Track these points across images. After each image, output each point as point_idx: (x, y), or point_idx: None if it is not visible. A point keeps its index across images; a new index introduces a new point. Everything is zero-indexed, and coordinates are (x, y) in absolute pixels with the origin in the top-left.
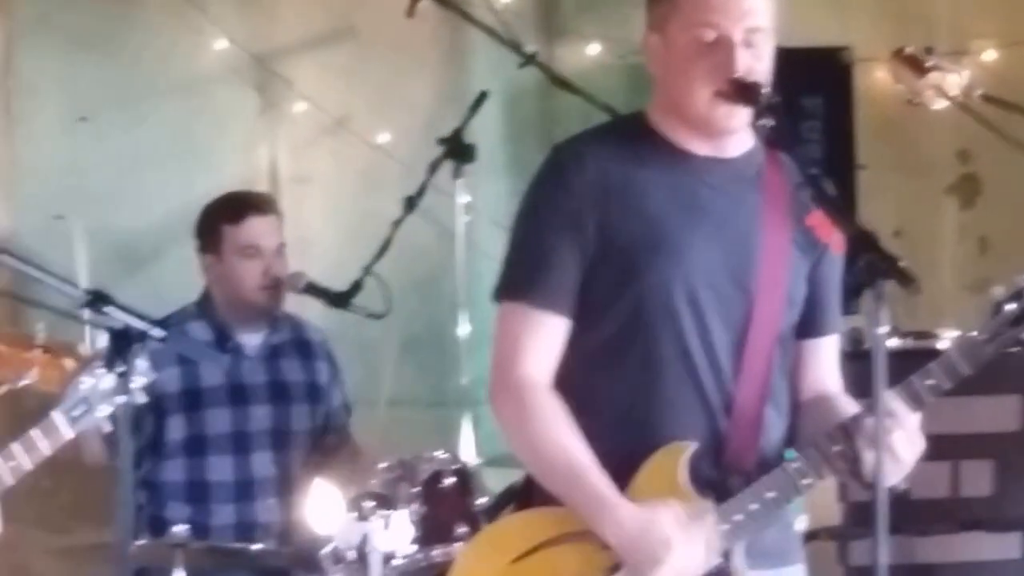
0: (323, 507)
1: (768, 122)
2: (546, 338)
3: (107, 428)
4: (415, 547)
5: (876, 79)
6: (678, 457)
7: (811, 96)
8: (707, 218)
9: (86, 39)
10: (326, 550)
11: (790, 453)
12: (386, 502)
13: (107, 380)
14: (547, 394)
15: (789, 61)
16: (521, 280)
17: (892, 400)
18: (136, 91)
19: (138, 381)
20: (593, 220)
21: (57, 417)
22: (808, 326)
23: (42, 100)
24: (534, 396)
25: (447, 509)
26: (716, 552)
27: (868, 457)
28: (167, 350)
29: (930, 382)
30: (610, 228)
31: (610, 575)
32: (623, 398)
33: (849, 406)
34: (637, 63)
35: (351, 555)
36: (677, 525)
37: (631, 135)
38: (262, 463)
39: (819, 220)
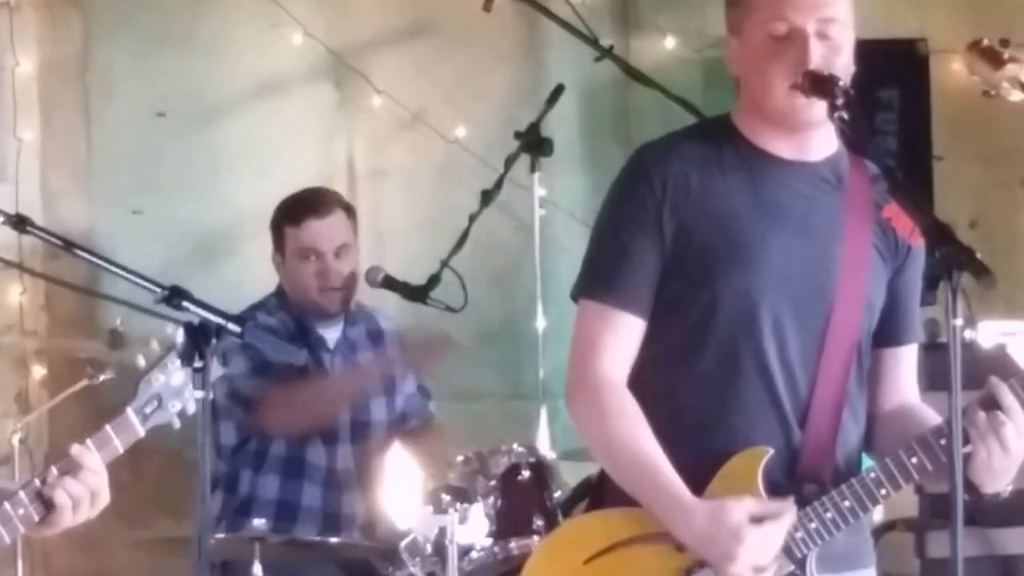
0: (401, 500)
1: (843, 115)
2: (623, 338)
3: (176, 425)
4: (491, 540)
5: (952, 71)
6: (755, 463)
7: (887, 88)
8: (787, 223)
9: (163, 35)
10: (404, 543)
11: (867, 463)
12: (463, 495)
13: (178, 376)
14: (623, 393)
15: (865, 53)
16: (600, 279)
17: (1005, 394)
18: (213, 86)
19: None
20: (672, 222)
21: (130, 414)
22: (888, 335)
23: (119, 96)
24: (611, 395)
25: (524, 502)
26: (788, 558)
27: (980, 452)
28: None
29: None
30: (688, 231)
31: None
32: (696, 402)
33: (929, 417)
34: (713, 57)
35: (428, 548)
36: (747, 518)
37: (715, 138)
38: (344, 456)
39: (895, 212)
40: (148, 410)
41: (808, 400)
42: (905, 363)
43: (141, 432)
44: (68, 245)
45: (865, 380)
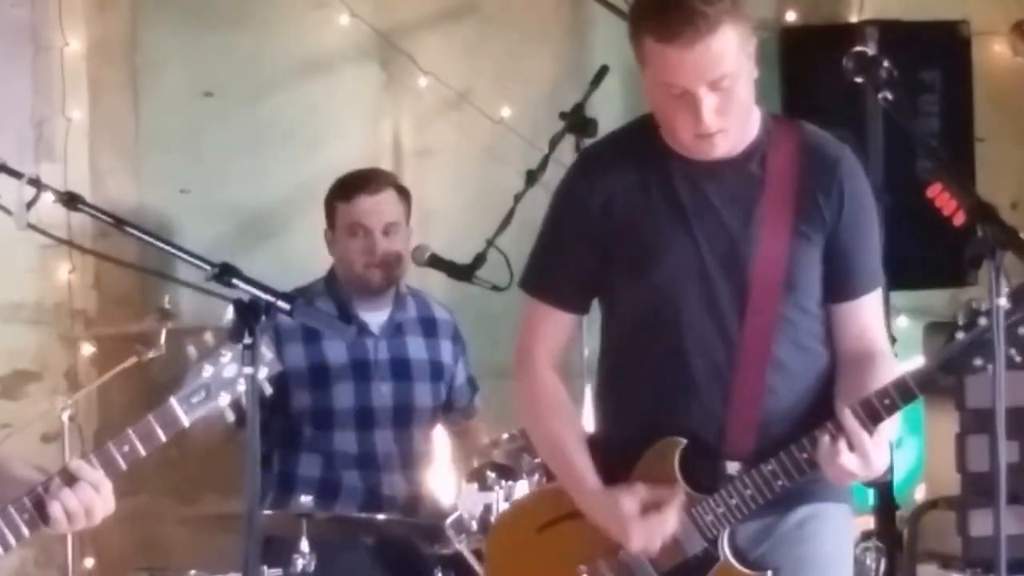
0: (446, 478)
1: (887, 95)
2: (555, 330)
3: (230, 418)
4: None
5: (994, 52)
6: (670, 454)
7: (929, 69)
8: (703, 223)
9: (211, 14)
10: (450, 520)
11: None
12: (508, 473)
13: (230, 368)
14: (551, 381)
15: (908, 35)
16: (535, 277)
17: (847, 419)
18: (261, 66)
19: (264, 372)
20: (597, 226)
21: (175, 404)
22: (840, 291)
23: (167, 75)
24: (540, 382)
25: None
26: (701, 536)
27: (828, 471)
28: (292, 327)
29: (887, 401)
30: (612, 234)
31: (613, 553)
32: (630, 389)
33: (878, 375)
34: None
35: (474, 525)
36: (636, 509)
37: (641, 141)
38: (384, 439)
39: (938, 192)
40: (194, 400)
41: (730, 381)
42: (863, 313)
43: (185, 423)
44: (119, 223)
45: (818, 351)
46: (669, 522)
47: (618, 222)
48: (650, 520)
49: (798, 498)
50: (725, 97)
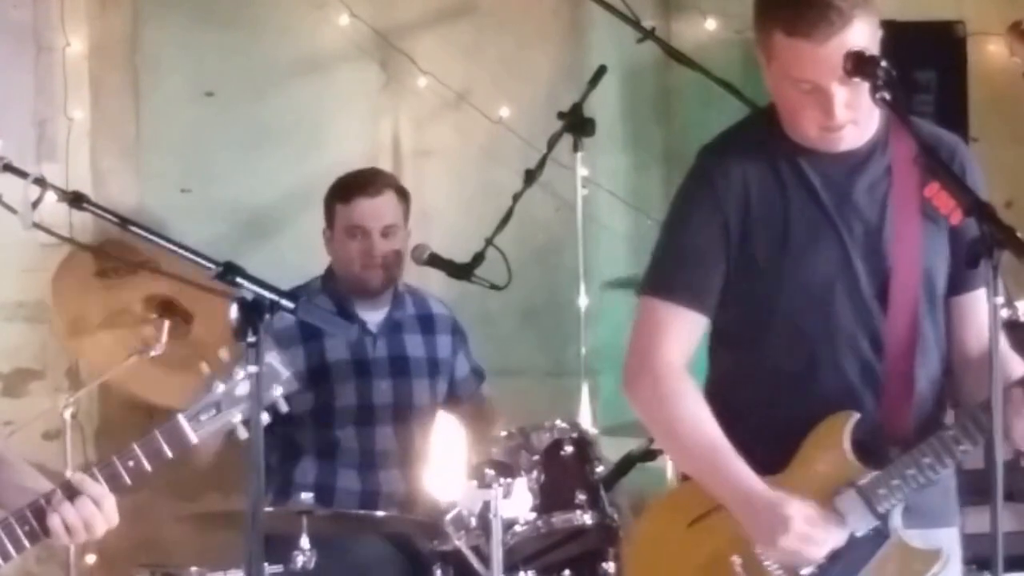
0: (446, 475)
1: (885, 95)
2: (686, 331)
3: (243, 435)
4: (534, 514)
5: (989, 53)
6: (842, 426)
7: (924, 70)
8: (838, 215)
9: (211, 15)
10: (449, 517)
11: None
12: (507, 470)
13: (243, 387)
14: (684, 379)
15: (902, 35)
16: (666, 279)
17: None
18: (260, 66)
19: (279, 390)
20: (735, 223)
21: (182, 422)
22: (961, 282)
23: (168, 75)
24: (673, 382)
25: (566, 477)
26: (871, 513)
27: (1018, 425)
28: (289, 330)
29: None
30: (750, 231)
31: None
32: (777, 388)
33: (1013, 368)
34: (753, 38)
35: (473, 522)
36: (801, 514)
37: (765, 135)
38: (384, 436)
39: (936, 191)
40: (203, 417)
41: (880, 371)
42: (982, 307)
43: (193, 439)
44: (124, 222)
45: (942, 336)
46: (822, 545)
47: (756, 217)
48: (810, 532)
49: (928, 518)
50: (855, 91)
